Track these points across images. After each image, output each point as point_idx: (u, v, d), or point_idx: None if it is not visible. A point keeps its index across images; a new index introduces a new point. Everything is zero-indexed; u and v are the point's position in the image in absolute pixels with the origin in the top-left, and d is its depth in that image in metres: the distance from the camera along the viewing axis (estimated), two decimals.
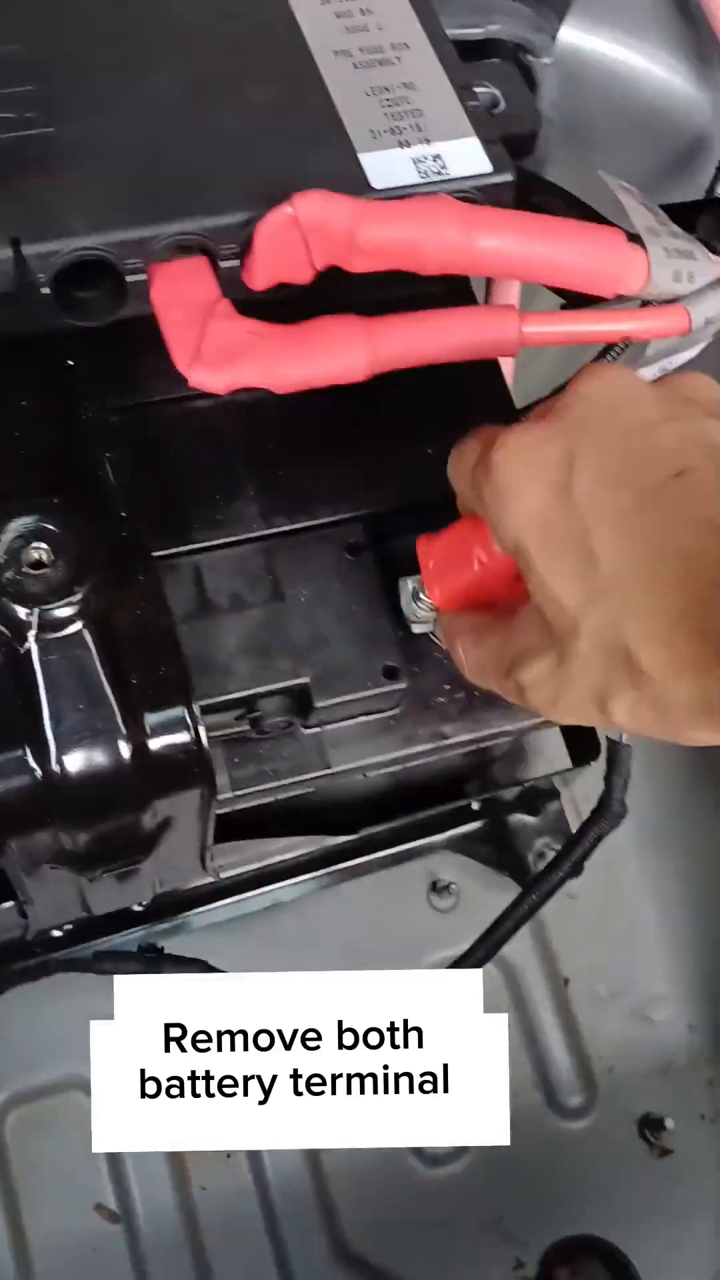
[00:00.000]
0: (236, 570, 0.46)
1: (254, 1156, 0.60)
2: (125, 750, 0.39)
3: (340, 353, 0.38)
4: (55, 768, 0.38)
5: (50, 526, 0.39)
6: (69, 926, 0.57)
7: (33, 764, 0.38)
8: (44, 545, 0.39)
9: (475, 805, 0.63)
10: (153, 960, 0.53)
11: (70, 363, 0.43)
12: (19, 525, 0.39)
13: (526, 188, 0.42)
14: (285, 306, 0.39)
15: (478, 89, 0.44)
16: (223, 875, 0.58)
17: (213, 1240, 0.59)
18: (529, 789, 0.64)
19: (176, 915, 0.60)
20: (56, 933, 0.57)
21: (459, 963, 0.50)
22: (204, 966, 0.53)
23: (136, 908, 0.58)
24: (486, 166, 0.39)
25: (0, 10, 0.40)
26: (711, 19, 0.52)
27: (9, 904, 0.49)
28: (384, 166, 0.39)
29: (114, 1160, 0.59)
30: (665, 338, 0.41)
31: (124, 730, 0.39)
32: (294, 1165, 0.60)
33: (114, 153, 0.38)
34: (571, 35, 0.51)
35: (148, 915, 0.60)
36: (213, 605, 0.45)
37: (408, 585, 0.46)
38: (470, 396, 0.49)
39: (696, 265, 0.41)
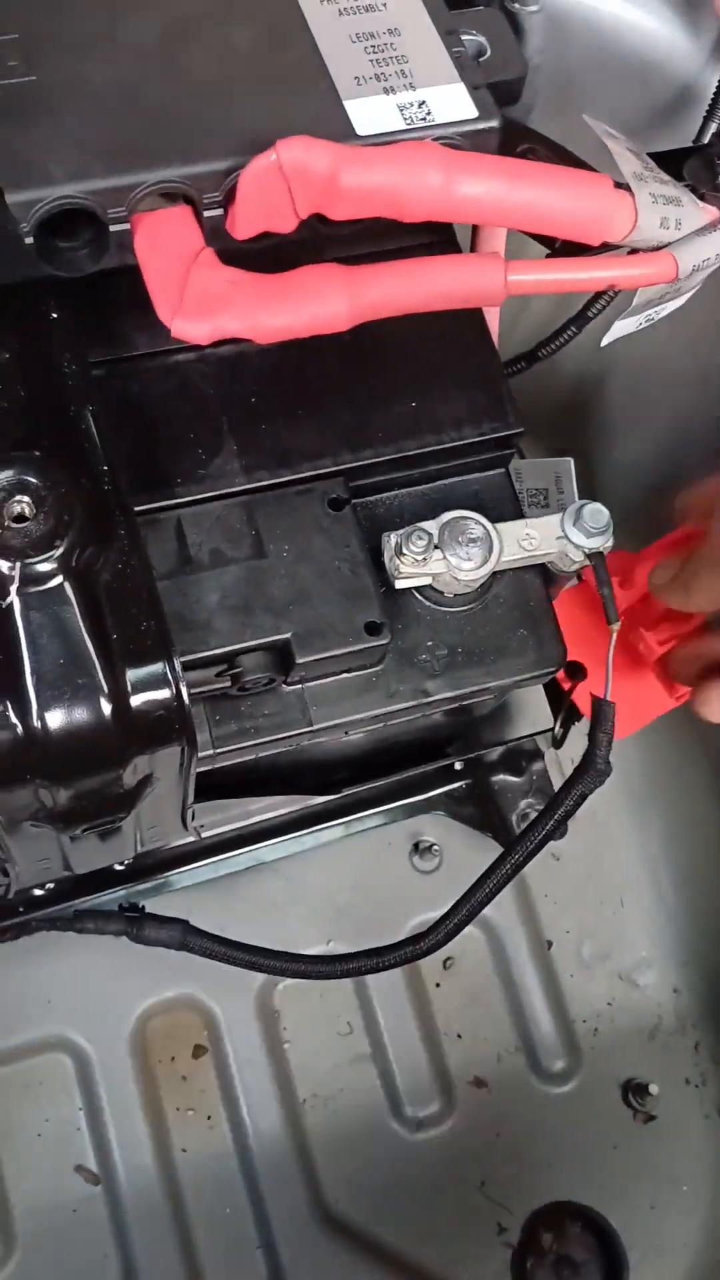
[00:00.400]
0: (217, 526, 0.45)
1: (235, 1119, 0.61)
2: (106, 706, 0.38)
3: (321, 300, 0.37)
4: (36, 724, 0.38)
5: (32, 479, 0.38)
6: (50, 886, 0.57)
7: (14, 719, 0.38)
8: (26, 499, 0.38)
9: (458, 766, 0.63)
10: (134, 920, 0.53)
11: (53, 315, 0.43)
12: (0, 479, 0.39)
13: (512, 135, 0.42)
14: (269, 258, 0.39)
15: (464, 36, 0.43)
16: (205, 834, 0.58)
17: (193, 1202, 0.59)
18: (512, 749, 0.64)
19: (158, 875, 0.60)
20: (38, 891, 0.56)
21: (439, 924, 0.50)
22: (186, 926, 0.53)
23: (118, 867, 0.58)
24: (472, 112, 0.39)
25: None
26: None
27: None
28: (369, 113, 0.38)
29: (95, 1122, 0.59)
30: (652, 285, 0.40)
31: (105, 687, 0.38)
32: (276, 1129, 0.60)
33: (96, 100, 0.37)
34: None
35: (129, 875, 0.60)
36: (194, 561, 0.44)
37: (390, 540, 0.46)
38: (453, 348, 0.48)
39: (684, 211, 0.40)
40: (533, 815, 0.65)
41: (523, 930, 0.67)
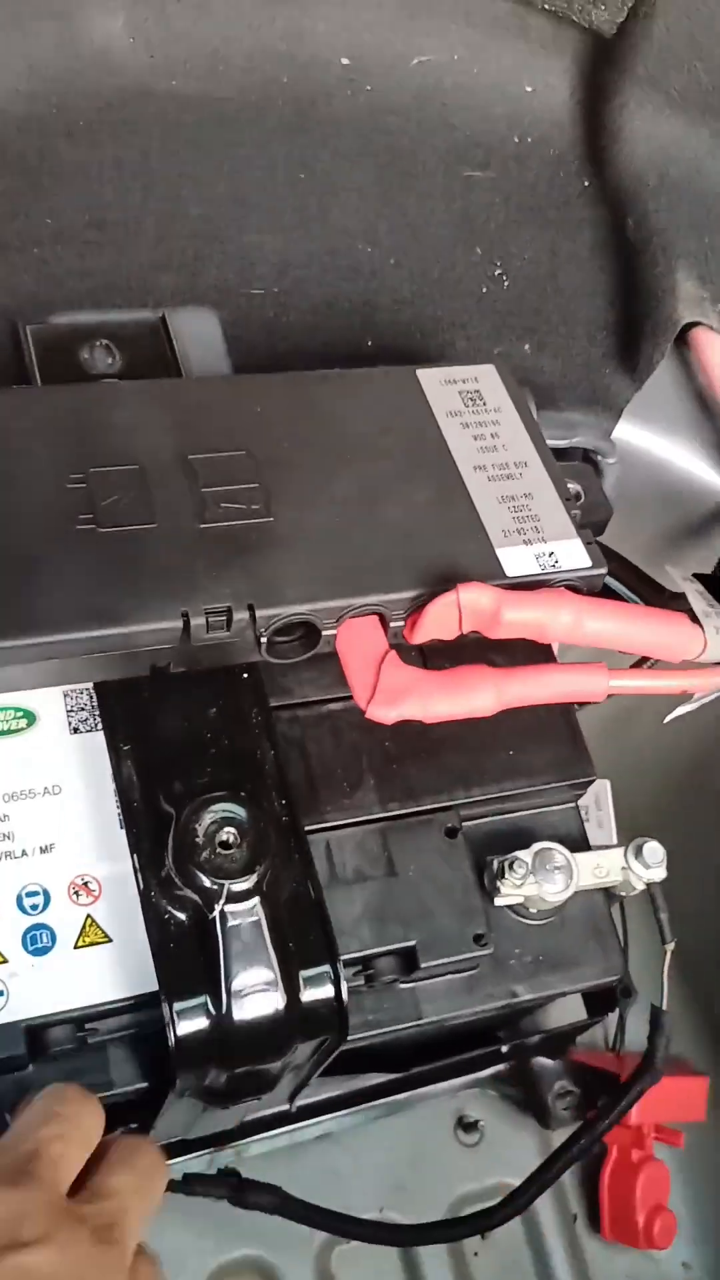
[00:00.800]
0: (359, 847, 0.56)
1: None
2: (281, 1002, 0.48)
3: (477, 695, 0.49)
4: (227, 1015, 0.47)
5: (238, 815, 0.49)
6: None
7: (211, 1010, 0.47)
8: (233, 830, 0.49)
9: (504, 1049, 0.72)
10: (236, 1185, 0.60)
11: (244, 675, 0.55)
12: (215, 811, 0.49)
13: (606, 557, 0.55)
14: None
15: (568, 484, 0.58)
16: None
17: None
18: (550, 1035, 0.72)
19: (239, 1140, 0.66)
20: None
21: (509, 1200, 0.58)
22: (281, 1193, 0.60)
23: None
24: (587, 562, 0.52)
25: (230, 421, 0.53)
26: None
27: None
28: (513, 559, 0.51)
29: None
30: (711, 692, 0.53)
31: (282, 986, 0.48)
32: None
33: (315, 538, 0.50)
34: (622, 431, 0.66)
35: (211, 1140, 0.66)
36: (338, 877, 0.55)
37: (493, 864, 0.57)
38: (543, 709, 0.61)
39: None
40: (567, 1095, 0.73)
41: (551, 1202, 0.73)
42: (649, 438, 0.69)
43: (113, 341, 0.57)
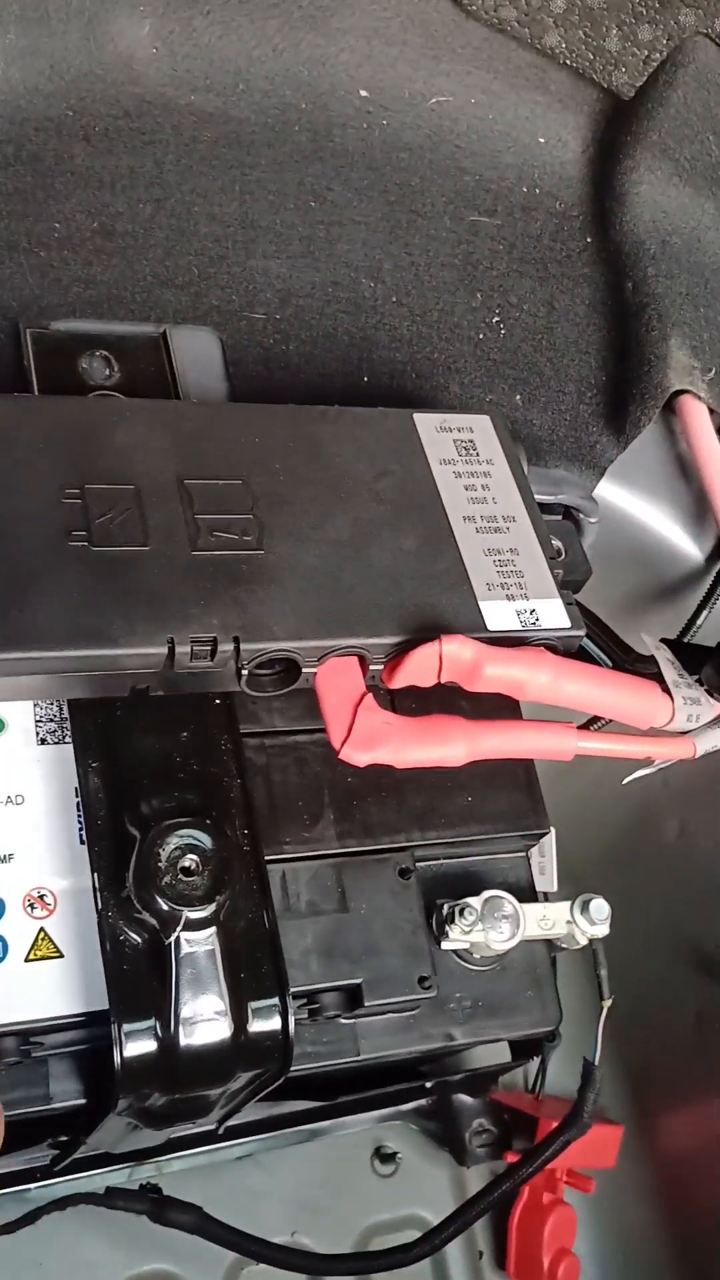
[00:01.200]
0: (313, 881, 0.56)
1: None
2: (228, 1031, 0.48)
3: (449, 745, 0.50)
4: (172, 1041, 0.47)
5: (202, 842, 0.49)
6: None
7: (158, 1034, 0.47)
8: (195, 857, 0.49)
9: (428, 1084, 0.72)
10: (158, 1201, 0.60)
11: (217, 701, 0.55)
12: (181, 837, 0.49)
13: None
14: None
15: (551, 540, 0.59)
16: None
17: None
18: (474, 1073, 0.73)
19: (158, 1156, 0.66)
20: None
21: (428, 1237, 0.59)
22: (202, 1213, 0.60)
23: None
24: (566, 622, 0.53)
25: (228, 449, 0.53)
26: (706, 485, 0.69)
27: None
28: (496, 613, 0.52)
29: None
30: (674, 760, 0.55)
31: (230, 1015, 0.48)
32: None
33: (304, 575, 0.51)
34: (604, 489, 0.68)
35: (131, 1155, 0.66)
36: (293, 908, 0.55)
37: (444, 909, 0.57)
38: (507, 766, 0.62)
39: (702, 709, 0.55)
40: (484, 1133, 0.74)
41: (460, 1238, 0.74)
42: (629, 498, 0.70)
43: (112, 353, 0.57)
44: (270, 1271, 0.69)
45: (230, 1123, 0.67)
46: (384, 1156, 0.75)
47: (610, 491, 0.70)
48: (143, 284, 0.60)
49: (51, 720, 0.53)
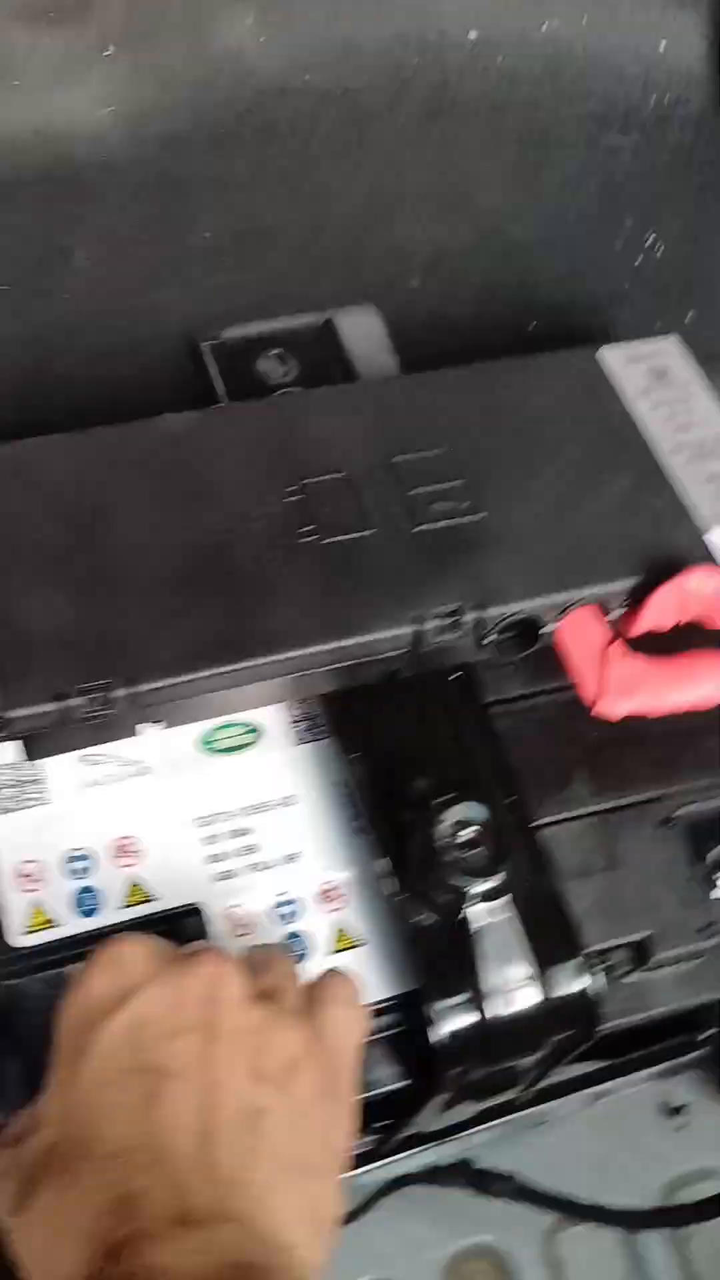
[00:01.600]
0: (576, 842, 0.55)
1: None
2: (537, 997, 0.48)
3: (708, 684, 0.48)
4: (488, 1013, 0.47)
5: (477, 814, 0.49)
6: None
7: (471, 1009, 0.47)
8: (473, 830, 0.49)
9: (699, 1037, 0.71)
10: (475, 1174, 0.60)
11: (460, 674, 0.54)
12: (453, 813, 0.49)
13: None
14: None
15: None
16: None
17: None
18: None
19: (466, 1131, 0.66)
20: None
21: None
22: (516, 1181, 0.60)
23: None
24: None
25: (422, 420, 0.52)
26: None
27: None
28: None
29: None
30: None
31: (537, 981, 0.48)
32: None
33: (528, 532, 0.50)
34: None
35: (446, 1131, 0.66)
36: (564, 872, 0.54)
37: (713, 853, 0.56)
38: None
39: None
40: None
41: None
42: None
43: (285, 349, 0.57)
44: (584, 1235, 0.70)
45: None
46: (673, 1110, 0.73)
47: None
48: (297, 276, 0.60)
49: (306, 719, 0.53)
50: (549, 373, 0.55)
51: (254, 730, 0.52)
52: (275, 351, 0.57)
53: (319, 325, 0.59)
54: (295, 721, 0.53)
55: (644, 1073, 0.70)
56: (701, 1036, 0.72)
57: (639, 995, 0.55)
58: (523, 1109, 0.68)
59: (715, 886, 0.55)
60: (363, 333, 0.59)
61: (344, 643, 0.45)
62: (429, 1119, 0.55)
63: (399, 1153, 0.63)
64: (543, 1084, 0.68)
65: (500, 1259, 0.68)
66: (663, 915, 0.54)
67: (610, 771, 0.56)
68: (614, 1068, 0.69)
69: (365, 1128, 0.55)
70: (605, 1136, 0.71)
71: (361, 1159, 0.61)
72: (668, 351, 0.57)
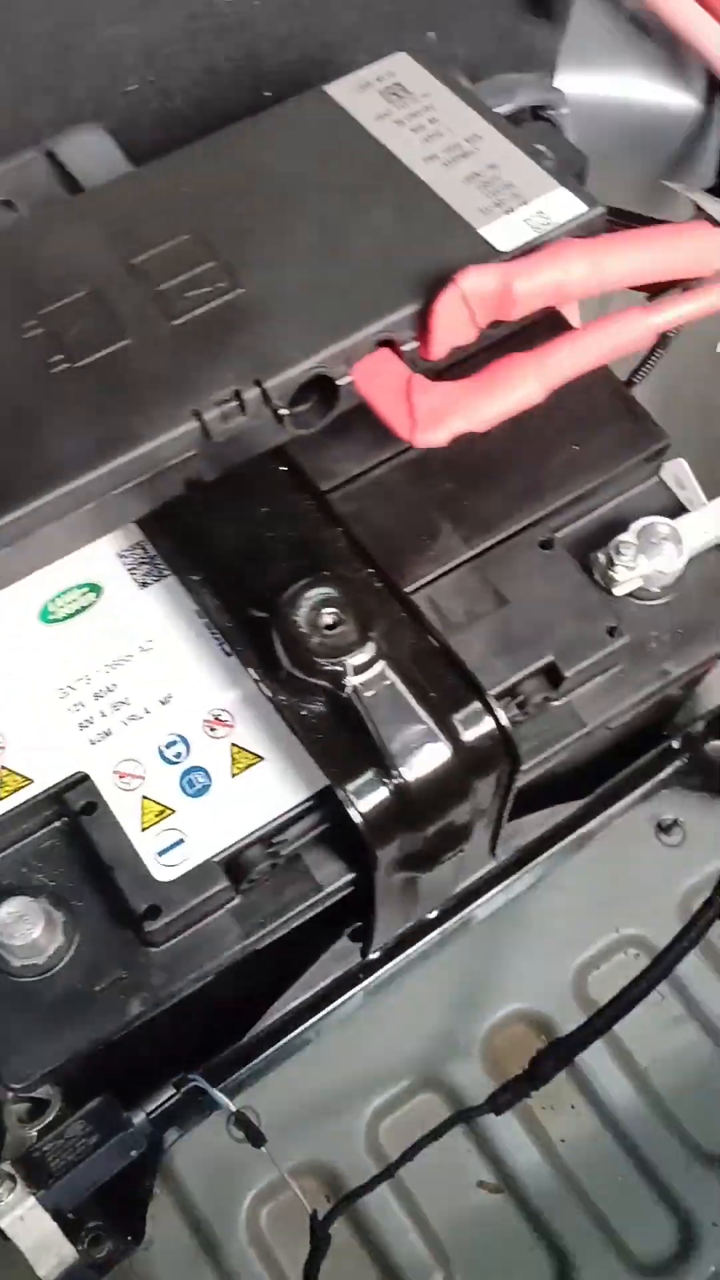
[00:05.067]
0: (460, 591, 0.54)
1: (595, 1101, 0.67)
2: (447, 750, 0.47)
3: (521, 385, 0.46)
4: (399, 779, 0.47)
5: (332, 594, 0.48)
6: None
7: (382, 783, 0.46)
8: (332, 609, 0.48)
9: (675, 744, 0.71)
10: None
11: (282, 469, 0.52)
12: (309, 599, 0.48)
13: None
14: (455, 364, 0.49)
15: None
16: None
17: (588, 1180, 0.66)
18: (714, 713, 0.71)
19: (457, 914, 0.67)
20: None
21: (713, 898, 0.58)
22: None
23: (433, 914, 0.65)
24: (581, 207, 0.48)
25: (159, 212, 0.49)
26: (675, 30, 0.61)
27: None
28: (503, 233, 0.48)
29: (480, 1141, 0.66)
30: None
31: (440, 735, 0.47)
32: (631, 1098, 0.67)
33: (295, 292, 0.47)
34: (568, 83, 0.61)
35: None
36: (454, 624, 0.53)
37: (599, 558, 0.55)
38: (589, 392, 0.55)
39: None
40: None
41: None
42: (595, 79, 0.63)
43: (12, 194, 0.53)
44: (613, 973, 0.71)
45: (507, 854, 0.68)
46: (666, 828, 0.74)
47: (572, 82, 0.63)
48: (3, 111, 0.56)
49: (144, 564, 0.52)
50: (281, 126, 0.52)
51: (93, 588, 0.51)
52: (1, 200, 0.53)
53: (39, 159, 0.56)
54: (133, 568, 0.51)
55: (626, 799, 0.70)
56: (676, 745, 0.72)
57: (570, 716, 0.54)
58: (511, 873, 0.69)
59: (615, 584, 0.54)
60: (90, 154, 0.56)
61: (125, 458, 0.43)
62: (395, 909, 0.55)
63: (398, 953, 0.64)
64: (521, 842, 0.69)
65: (536, 1020, 0.69)
66: (565, 633, 0.53)
67: (474, 515, 0.55)
68: (595, 803, 0.69)
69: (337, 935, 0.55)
70: (609, 871, 0.72)
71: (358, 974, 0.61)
72: (399, 68, 0.53)
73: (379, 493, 0.55)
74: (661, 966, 0.59)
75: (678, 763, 0.73)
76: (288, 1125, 0.66)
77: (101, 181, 0.55)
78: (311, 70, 0.60)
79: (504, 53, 0.62)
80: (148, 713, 0.49)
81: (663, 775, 0.72)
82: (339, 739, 0.47)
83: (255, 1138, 0.56)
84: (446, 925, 0.67)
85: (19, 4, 0.59)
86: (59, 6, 0.59)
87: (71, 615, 0.50)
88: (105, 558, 0.51)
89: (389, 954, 0.64)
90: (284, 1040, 0.61)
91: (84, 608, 0.51)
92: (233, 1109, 0.55)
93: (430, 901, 0.60)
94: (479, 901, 0.67)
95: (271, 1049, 0.61)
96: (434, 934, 0.66)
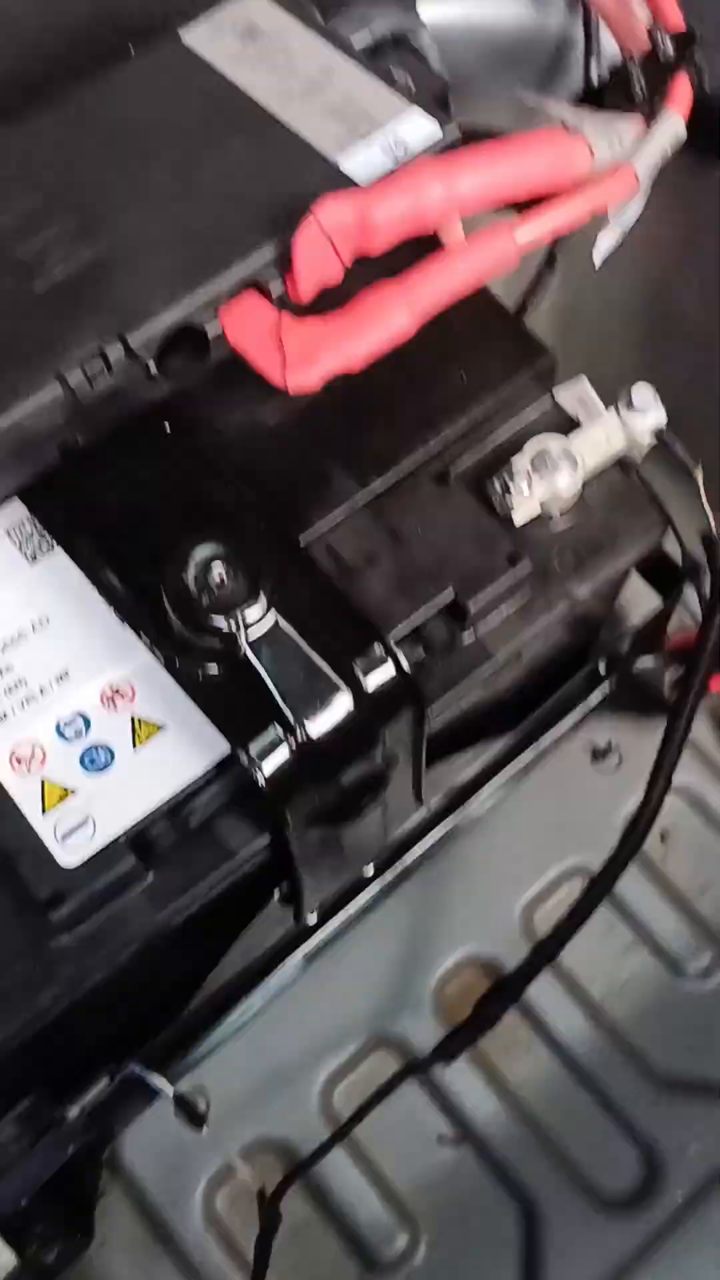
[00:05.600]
0: (356, 534, 0.53)
1: (549, 1038, 0.67)
2: (348, 699, 0.46)
3: (390, 317, 0.45)
4: (302, 735, 0.46)
5: (217, 550, 0.47)
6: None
7: (286, 739, 0.45)
8: (221, 565, 0.46)
9: (601, 670, 0.70)
10: None
11: (159, 419, 0.50)
12: (196, 558, 0.46)
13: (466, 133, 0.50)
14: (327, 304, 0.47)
15: (394, 73, 0.51)
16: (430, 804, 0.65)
17: (546, 1118, 0.65)
18: (637, 632, 0.70)
19: (400, 858, 0.66)
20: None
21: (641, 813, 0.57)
22: None
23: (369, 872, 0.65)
24: (436, 131, 0.47)
25: (10, 177, 0.47)
26: None
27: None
28: (360, 163, 0.46)
29: (435, 1093, 0.66)
30: (625, 198, 0.48)
31: (340, 684, 0.46)
32: (587, 1030, 0.67)
33: (152, 243, 0.45)
34: (431, 11, 0.59)
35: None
36: (351, 569, 0.52)
37: (495, 486, 0.53)
38: (470, 317, 0.53)
39: (620, 126, 0.48)
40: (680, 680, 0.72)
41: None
42: (457, 4, 0.61)
43: None
44: (553, 904, 0.70)
45: (437, 798, 0.68)
46: (601, 753, 0.74)
47: (435, 9, 0.61)
48: None
49: (31, 537, 0.50)
50: (134, 76, 0.50)
51: None
52: None
53: None
54: (21, 543, 0.50)
55: (556, 729, 0.70)
56: (602, 669, 0.71)
57: (478, 649, 0.53)
58: (444, 817, 0.69)
59: (513, 510, 0.53)
60: None
61: None
62: (321, 869, 0.54)
63: (336, 913, 0.63)
64: (451, 784, 0.69)
65: (486, 963, 0.69)
66: (464, 566, 0.52)
67: (364, 455, 0.54)
68: (525, 736, 0.68)
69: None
70: (547, 803, 0.72)
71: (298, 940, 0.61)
72: (254, 7, 0.51)
73: (265, 441, 0.53)
74: (597, 889, 0.59)
75: (605, 686, 0.73)
76: (239, 1103, 0.65)
77: None
78: (173, 16, 0.58)
79: None
80: (43, 692, 0.48)
81: (591, 700, 0.72)
82: (238, 699, 0.45)
83: (195, 1120, 0.55)
84: (384, 877, 0.66)
85: None
86: None
87: None
88: None
89: (326, 915, 0.64)
90: (227, 1017, 0.61)
91: None
92: (170, 1092, 0.54)
93: (360, 857, 0.59)
94: (414, 850, 0.67)
95: (215, 1026, 0.61)
96: (372, 888, 0.65)
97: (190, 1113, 0.55)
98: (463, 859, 0.70)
